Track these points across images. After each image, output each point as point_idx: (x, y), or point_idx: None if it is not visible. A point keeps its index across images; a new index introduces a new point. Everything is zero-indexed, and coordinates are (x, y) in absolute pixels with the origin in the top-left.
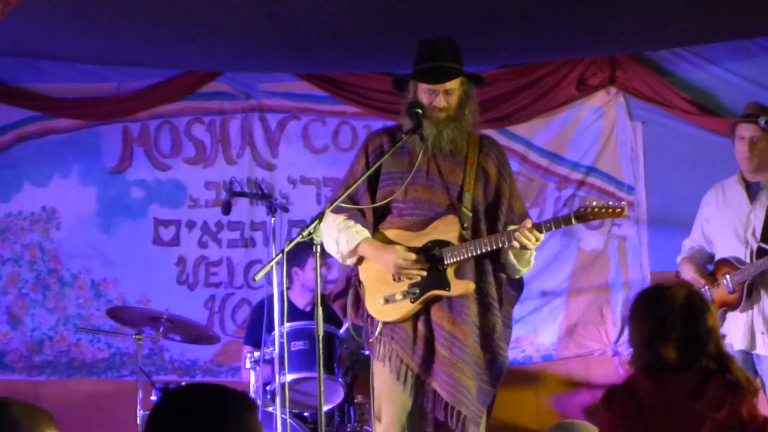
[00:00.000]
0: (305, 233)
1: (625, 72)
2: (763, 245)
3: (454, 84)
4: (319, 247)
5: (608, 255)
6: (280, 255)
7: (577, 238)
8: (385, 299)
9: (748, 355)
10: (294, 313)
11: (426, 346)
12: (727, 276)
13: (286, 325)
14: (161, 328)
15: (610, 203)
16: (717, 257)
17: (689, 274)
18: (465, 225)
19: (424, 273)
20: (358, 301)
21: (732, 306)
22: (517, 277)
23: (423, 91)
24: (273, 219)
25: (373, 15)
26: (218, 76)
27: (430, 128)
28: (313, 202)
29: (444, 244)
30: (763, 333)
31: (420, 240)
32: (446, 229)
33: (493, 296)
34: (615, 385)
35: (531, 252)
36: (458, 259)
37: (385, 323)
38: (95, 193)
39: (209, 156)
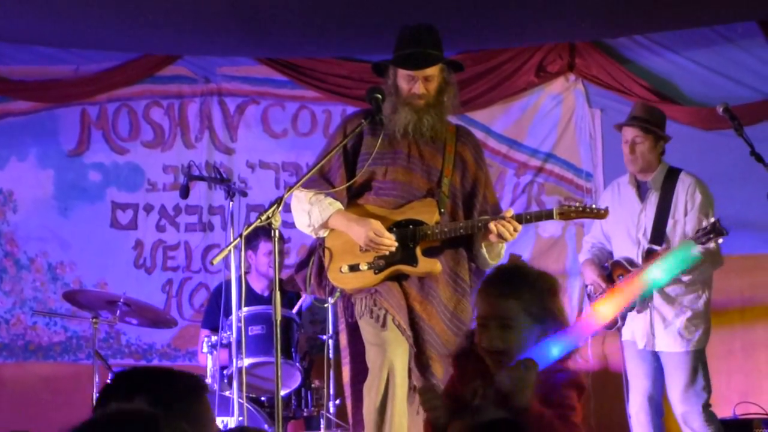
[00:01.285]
0: (263, 218)
1: (584, 59)
2: (652, 246)
3: (433, 71)
4: (277, 232)
5: (566, 241)
6: (238, 239)
7: (535, 225)
8: (350, 267)
9: (650, 353)
10: (252, 297)
11: (408, 310)
12: (621, 278)
13: (244, 309)
14: (118, 312)
15: (594, 205)
16: (614, 256)
17: (591, 277)
18: (442, 210)
19: (394, 247)
20: (322, 271)
21: (630, 306)
22: (486, 269)
23: (402, 78)
24: (231, 203)
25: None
26: (177, 59)
27: (410, 115)
28: (272, 186)
29: (418, 223)
30: (654, 336)
31: (395, 217)
32: (423, 210)
33: (468, 283)
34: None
35: (502, 245)
36: (431, 237)
37: (342, 292)
38: (52, 176)
39: (167, 139)
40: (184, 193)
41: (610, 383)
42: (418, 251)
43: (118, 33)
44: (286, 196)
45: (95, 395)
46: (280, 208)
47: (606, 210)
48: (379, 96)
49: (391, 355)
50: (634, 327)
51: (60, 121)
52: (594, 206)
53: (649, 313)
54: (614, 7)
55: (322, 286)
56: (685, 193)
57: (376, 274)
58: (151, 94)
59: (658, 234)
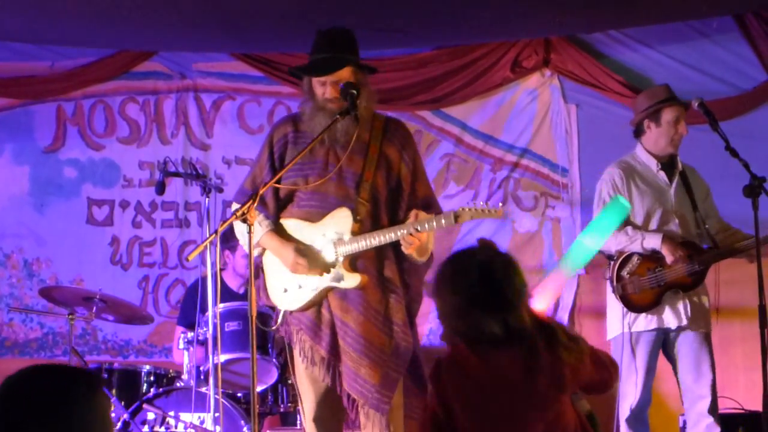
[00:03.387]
0: (239, 214)
1: (559, 54)
2: (707, 227)
3: (344, 74)
4: (253, 227)
5: (542, 236)
6: (214, 236)
7: (511, 220)
8: (284, 289)
9: (667, 332)
10: (227, 294)
11: (332, 332)
12: (691, 257)
13: (220, 305)
14: (94, 308)
15: (489, 205)
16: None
17: (681, 252)
18: (358, 217)
19: (319, 269)
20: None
21: (684, 287)
22: (420, 264)
23: (316, 83)
24: (207, 199)
25: None
26: (152, 55)
27: (324, 120)
28: None
29: (338, 236)
30: (689, 315)
31: (318, 232)
32: (340, 222)
33: (396, 284)
34: (440, 359)
35: (427, 240)
36: (350, 251)
37: (287, 312)
38: (28, 172)
39: (143, 136)
40: (160, 189)
41: None
42: (343, 266)
43: (93, 29)
44: (261, 192)
45: None
46: (256, 204)
47: (501, 209)
48: (354, 92)
49: (317, 409)
50: (670, 306)
51: (35, 117)
52: (488, 205)
53: (699, 292)
54: (589, 2)
55: (269, 299)
56: (695, 175)
57: (310, 293)
58: (126, 90)
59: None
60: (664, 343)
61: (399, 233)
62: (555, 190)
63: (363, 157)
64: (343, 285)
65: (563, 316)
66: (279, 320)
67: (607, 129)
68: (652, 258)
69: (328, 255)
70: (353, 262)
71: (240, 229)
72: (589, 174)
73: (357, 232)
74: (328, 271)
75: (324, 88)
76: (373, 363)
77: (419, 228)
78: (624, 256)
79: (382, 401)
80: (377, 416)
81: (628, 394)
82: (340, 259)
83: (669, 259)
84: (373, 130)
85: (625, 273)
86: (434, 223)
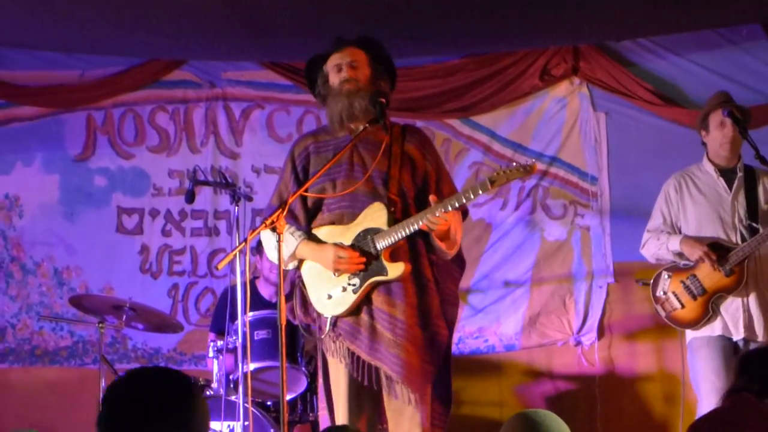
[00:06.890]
0: (268, 222)
1: (588, 62)
2: (753, 224)
3: (357, 56)
4: (283, 236)
5: (571, 245)
6: (243, 244)
7: (540, 228)
8: (328, 295)
9: (732, 347)
10: (260, 302)
11: (370, 333)
12: (721, 258)
13: (250, 314)
14: (124, 317)
15: (522, 162)
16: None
17: (700, 248)
18: (392, 209)
19: (362, 264)
20: (305, 302)
21: (729, 289)
22: (448, 258)
23: (332, 72)
24: (237, 208)
25: (336, 3)
26: (182, 64)
27: (341, 102)
28: None
29: (375, 231)
30: (753, 325)
31: (352, 232)
32: (375, 216)
33: (428, 277)
34: None
35: (454, 232)
36: (389, 243)
37: (334, 317)
38: (58, 180)
39: (173, 144)
40: (190, 197)
41: (617, 388)
42: (384, 258)
43: (123, 38)
44: (290, 201)
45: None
46: (285, 213)
47: (534, 163)
48: (383, 100)
49: (352, 414)
50: (728, 318)
51: (65, 126)
52: (521, 163)
53: (747, 300)
54: (618, 10)
55: (309, 313)
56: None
57: (354, 293)
58: (156, 99)
59: (754, 215)
60: (736, 351)
61: (437, 212)
62: (584, 199)
63: (387, 157)
64: (388, 277)
65: (593, 325)
66: (327, 327)
67: (636, 137)
68: (682, 269)
69: (369, 250)
70: (393, 256)
71: (268, 242)
72: (618, 182)
73: (393, 223)
74: (371, 264)
75: (339, 74)
76: (415, 352)
77: (458, 203)
78: (654, 276)
79: (424, 392)
80: (422, 406)
81: (704, 399)
82: (381, 251)
83: (692, 257)
84: (392, 134)
85: (660, 293)
86: (471, 194)
